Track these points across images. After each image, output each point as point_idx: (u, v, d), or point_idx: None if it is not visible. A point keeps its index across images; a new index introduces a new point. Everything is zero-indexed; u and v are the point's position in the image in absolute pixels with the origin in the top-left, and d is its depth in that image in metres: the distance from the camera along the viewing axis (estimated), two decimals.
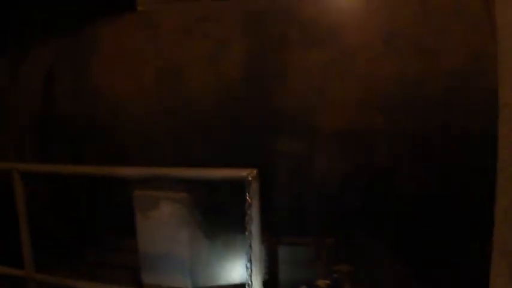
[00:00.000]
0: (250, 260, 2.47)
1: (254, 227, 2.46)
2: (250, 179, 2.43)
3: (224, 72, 2.70)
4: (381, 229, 2.91)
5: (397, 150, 2.51)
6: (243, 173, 2.45)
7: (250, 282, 2.46)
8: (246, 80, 2.67)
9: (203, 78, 2.74)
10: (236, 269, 2.84)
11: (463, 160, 2.40)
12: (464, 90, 2.37)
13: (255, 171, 2.46)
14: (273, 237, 2.87)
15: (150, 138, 2.80)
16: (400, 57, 2.49)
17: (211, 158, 2.67)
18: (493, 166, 1.68)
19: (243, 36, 2.75)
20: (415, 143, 2.47)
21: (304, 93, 2.60)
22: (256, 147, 2.67)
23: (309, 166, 2.68)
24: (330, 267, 3.68)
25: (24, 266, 3.01)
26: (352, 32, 2.60)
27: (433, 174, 2.47)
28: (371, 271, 3.68)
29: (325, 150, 2.63)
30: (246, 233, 2.46)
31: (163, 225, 2.68)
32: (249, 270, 2.44)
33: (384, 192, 2.62)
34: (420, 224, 2.76)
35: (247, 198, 2.45)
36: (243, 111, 2.66)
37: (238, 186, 2.47)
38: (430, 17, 2.53)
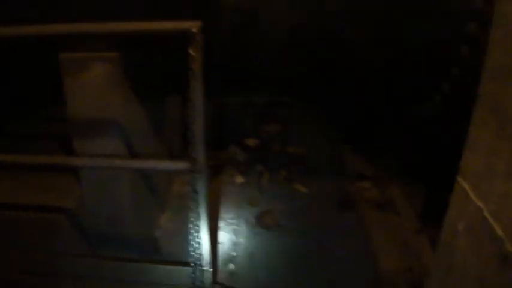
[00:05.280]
0: (194, 119, 2.34)
1: (197, 83, 2.30)
2: (194, 30, 2.21)
3: None
4: (318, 92, 2.91)
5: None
6: (186, 25, 2.22)
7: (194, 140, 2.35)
8: None
9: None
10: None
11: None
12: None
13: (199, 23, 2.24)
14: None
15: None
16: None
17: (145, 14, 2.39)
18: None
19: None
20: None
21: None
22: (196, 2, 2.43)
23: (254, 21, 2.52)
24: (260, 126, 3.75)
25: None
26: None
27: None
28: (302, 132, 3.81)
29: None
30: (189, 90, 2.29)
31: (94, 89, 2.44)
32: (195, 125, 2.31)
33: (332, 52, 2.57)
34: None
35: (191, 52, 2.25)
36: None
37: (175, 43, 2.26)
38: None
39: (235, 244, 2.95)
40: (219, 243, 2.94)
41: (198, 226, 2.35)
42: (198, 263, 2.43)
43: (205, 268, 2.46)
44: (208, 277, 2.48)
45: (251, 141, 3.79)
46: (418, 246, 2.82)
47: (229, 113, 3.79)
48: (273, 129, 3.88)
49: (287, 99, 3.49)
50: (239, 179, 3.55)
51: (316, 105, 3.45)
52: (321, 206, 3.27)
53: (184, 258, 2.49)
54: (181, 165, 2.35)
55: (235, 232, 3.05)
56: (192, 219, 2.34)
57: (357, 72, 2.64)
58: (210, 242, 2.42)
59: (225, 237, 3.00)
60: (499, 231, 1.24)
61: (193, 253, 2.42)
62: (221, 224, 3.11)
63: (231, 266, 2.77)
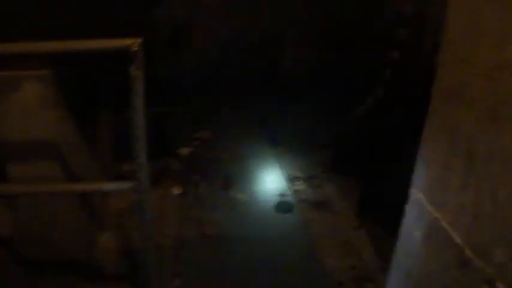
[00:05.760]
0: (137, 136, 2.30)
1: (138, 102, 2.26)
2: (135, 49, 2.17)
3: None
4: (252, 96, 2.96)
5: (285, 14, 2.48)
6: (126, 42, 2.17)
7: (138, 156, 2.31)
8: None
9: None
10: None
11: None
12: None
13: (139, 40, 2.20)
14: None
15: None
16: None
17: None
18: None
19: None
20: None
21: None
22: (132, 18, 2.38)
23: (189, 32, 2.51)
24: (192, 135, 3.73)
25: None
26: None
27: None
28: (235, 138, 3.84)
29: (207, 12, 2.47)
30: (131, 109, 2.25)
31: (26, 109, 2.31)
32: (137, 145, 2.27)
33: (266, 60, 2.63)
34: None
35: (132, 70, 2.21)
36: None
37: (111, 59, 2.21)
38: None
39: (180, 257, 2.93)
40: (165, 258, 2.90)
41: (144, 243, 2.33)
42: (144, 280, 2.40)
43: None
44: None
45: (184, 151, 3.77)
46: (358, 243, 2.99)
47: (161, 123, 3.72)
48: (204, 136, 3.87)
49: (220, 106, 3.51)
50: (176, 190, 3.51)
51: (249, 110, 3.51)
52: (260, 211, 3.34)
53: (127, 278, 2.44)
54: (125, 185, 2.31)
55: (179, 245, 3.03)
56: (138, 236, 2.31)
57: (291, 74, 2.73)
58: (155, 259, 2.40)
59: (170, 251, 2.97)
60: (457, 239, 1.37)
61: (139, 271, 2.39)
62: (164, 238, 3.07)
63: (177, 282, 2.75)
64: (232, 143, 3.90)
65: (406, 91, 2.70)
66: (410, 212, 1.64)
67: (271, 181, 3.64)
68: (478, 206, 1.29)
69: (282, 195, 3.47)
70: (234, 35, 2.55)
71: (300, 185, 3.58)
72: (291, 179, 3.64)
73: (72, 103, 2.53)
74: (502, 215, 1.21)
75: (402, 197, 2.87)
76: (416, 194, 1.58)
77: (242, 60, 2.65)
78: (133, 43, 2.18)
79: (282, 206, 3.35)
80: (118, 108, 3.00)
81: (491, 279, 1.23)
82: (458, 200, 1.36)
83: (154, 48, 2.51)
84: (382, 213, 3.11)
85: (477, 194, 1.29)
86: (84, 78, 2.54)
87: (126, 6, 2.43)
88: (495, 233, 1.23)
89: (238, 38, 2.56)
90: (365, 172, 3.35)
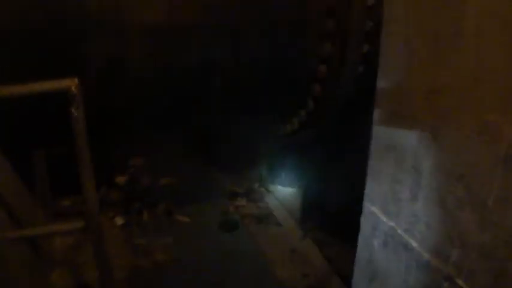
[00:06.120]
0: (85, 178, 2.28)
1: (82, 142, 2.25)
2: (74, 90, 2.16)
3: None
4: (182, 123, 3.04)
5: (214, 45, 2.57)
6: (64, 84, 2.15)
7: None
8: None
9: None
10: None
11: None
12: None
13: (75, 80, 2.19)
14: None
15: None
16: None
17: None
18: None
19: None
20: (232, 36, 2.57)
21: None
22: (62, 55, 2.36)
23: (121, 68, 2.53)
24: (125, 162, 3.67)
25: None
26: None
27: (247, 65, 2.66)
28: (168, 162, 3.85)
29: (137, 48, 2.50)
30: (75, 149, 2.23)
31: None
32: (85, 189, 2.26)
33: (195, 89, 2.71)
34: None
35: (73, 111, 2.20)
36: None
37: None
38: None
39: None
40: None
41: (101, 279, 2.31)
42: None
43: None
44: None
45: (120, 179, 3.70)
46: (306, 251, 3.13)
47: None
48: (137, 163, 3.84)
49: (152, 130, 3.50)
50: (119, 221, 3.46)
51: (181, 132, 3.54)
52: (206, 232, 3.38)
53: None
54: (76, 225, 2.29)
55: (132, 276, 2.99)
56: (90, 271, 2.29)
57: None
58: None
59: (124, 283, 2.93)
60: (414, 244, 1.53)
61: None
62: (116, 270, 3.02)
63: None
64: (169, 165, 3.89)
65: (333, 104, 2.91)
66: (367, 224, 1.80)
67: (213, 201, 3.69)
68: (429, 214, 1.46)
69: (225, 213, 3.54)
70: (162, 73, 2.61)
71: (242, 201, 3.67)
72: (232, 196, 3.72)
73: (6, 146, 2.44)
74: (452, 219, 1.38)
75: (341, 203, 3.07)
76: (370, 207, 1.73)
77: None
78: (70, 84, 2.18)
79: (227, 224, 3.42)
80: (50, 144, 2.94)
81: (450, 276, 1.40)
82: (410, 210, 1.52)
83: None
84: (323, 219, 3.29)
85: (427, 204, 1.46)
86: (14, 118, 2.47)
87: (55, 42, 2.40)
88: (448, 236, 1.40)
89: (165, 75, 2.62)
90: (302, 181, 3.51)
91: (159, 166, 3.88)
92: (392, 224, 1.60)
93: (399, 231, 1.57)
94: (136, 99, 2.75)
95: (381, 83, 1.61)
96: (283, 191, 3.71)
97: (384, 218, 1.64)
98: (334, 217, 3.18)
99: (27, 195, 2.80)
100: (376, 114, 1.65)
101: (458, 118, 1.31)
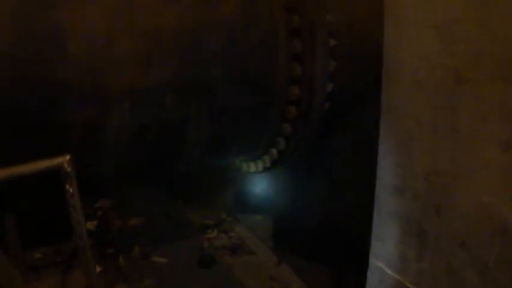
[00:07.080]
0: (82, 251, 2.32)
1: (79, 216, 2.29)
2: (68, 169, 2.20)
3: None
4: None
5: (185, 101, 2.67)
6: (56, 162, 2.18)
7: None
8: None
9: None
10: None
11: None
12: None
13: (68, 157, 2.22)
14: None
15: None
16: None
17: None
18: None
19: None
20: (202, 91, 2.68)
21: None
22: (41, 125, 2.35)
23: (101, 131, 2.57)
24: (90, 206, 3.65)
25: None
26: None
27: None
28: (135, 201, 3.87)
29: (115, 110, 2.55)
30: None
31: None
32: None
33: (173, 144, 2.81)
34: None
35: (67, 187, 2.23)
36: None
37: None
38: None
39: None
40: None
41: None
42: None
43: None
44: None
45: (89, 224, 3.67)
46: (285, 278, 3.31)
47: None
48: (105, 205, 3.82)
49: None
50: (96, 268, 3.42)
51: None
52: (186, 270, 3.43)
53: None
54: None
55: None
56: None
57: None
58: None
59: None
60: None
61: None
62: None
63: None
64: (136, 204, 3.92)
65: (303, 142, 3.10)
66: (373, 277, 2.00)
67: (186, 237, 3.74)
68: (435, 271, 1.69)
69: (201, 249, 3.61)
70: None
71: (213, 233, 3.77)
72: (204, 229, 3.81)
73: None
74: (457, 277, 1.62)
75: (312, 225, 3.28)
76: (376, 262, 1.93)
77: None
78: (63, 161, 2.20)
79: (205, 261, 3.47)
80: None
81: None
82: (417, 267, 1.74)
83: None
84: (297, 243, 3.48)
85: (433, 263, 1.69)
86: None
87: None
88: None
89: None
90: (272, 207, 3.68)
91: (126, 206, 3.90)
92: (399, 277, 1.81)
93: (407, 283, 1.78)
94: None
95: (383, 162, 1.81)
96: (253, 218, 3.84)
97: (390, 272, 1.84)
98: (307, 240, 3.39)
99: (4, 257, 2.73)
100: (381, 188, 1.84)
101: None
